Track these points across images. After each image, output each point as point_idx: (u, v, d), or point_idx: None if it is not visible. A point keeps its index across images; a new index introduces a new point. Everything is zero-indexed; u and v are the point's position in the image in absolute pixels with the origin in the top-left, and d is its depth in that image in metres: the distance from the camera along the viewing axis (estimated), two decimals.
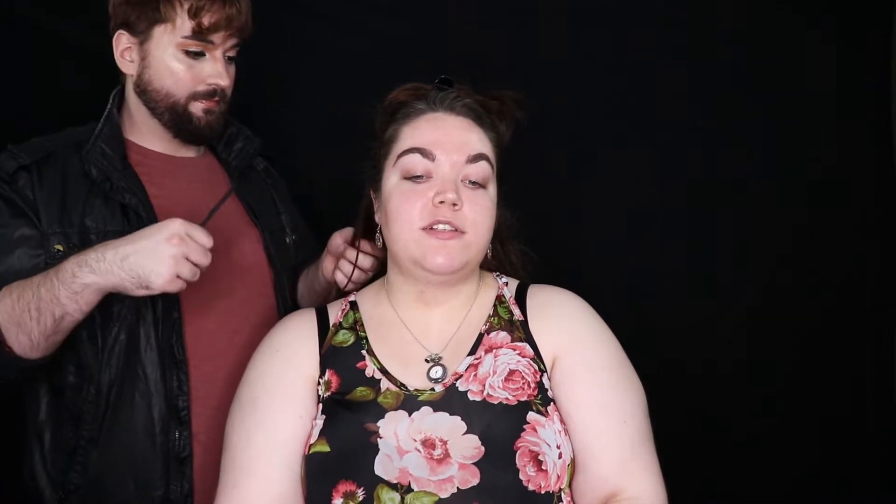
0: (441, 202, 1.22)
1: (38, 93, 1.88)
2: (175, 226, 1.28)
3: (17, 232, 1.40)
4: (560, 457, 1.17)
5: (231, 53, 1.52)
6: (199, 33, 1.46)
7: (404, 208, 1.25)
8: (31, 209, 1.41)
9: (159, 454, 1.42)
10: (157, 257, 1.26)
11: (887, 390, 2.01)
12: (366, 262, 1.44)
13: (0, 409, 1.57)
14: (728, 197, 2.04)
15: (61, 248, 1.40)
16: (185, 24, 1.46)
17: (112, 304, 1.39)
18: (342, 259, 1.45)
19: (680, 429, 1.73)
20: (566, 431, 1.21)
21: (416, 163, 1.26)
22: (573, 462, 1.21)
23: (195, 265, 1.30)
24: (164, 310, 1.43)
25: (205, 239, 1.30)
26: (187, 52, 1.47)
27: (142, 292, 1.29)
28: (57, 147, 1.47)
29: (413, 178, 1.26)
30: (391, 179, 1.29)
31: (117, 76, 1.56)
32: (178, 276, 1.28)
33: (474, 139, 1.29)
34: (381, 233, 1.34)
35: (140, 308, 1.42)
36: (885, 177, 2.03)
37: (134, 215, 1.45)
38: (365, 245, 1.43)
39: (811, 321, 2.03)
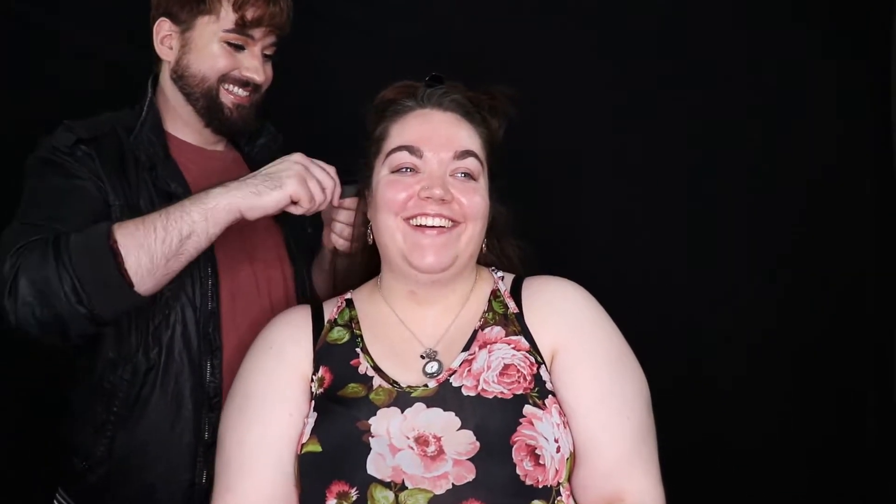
0: (428, 197, 1.22)
1: (38, 93, 1.88)
2: (297, 155, 1.37)
3: (77, 183, 1.40)
4: (558, 451, 1.16)
5: (269, 51, 1.56)
6: (242, 27, 1.50)
7: (389, 196, 1.25)
8: (96, 175, 1.42)
9: (189, 439, 1.43)
10: (287, 166, 1.35)
11: (887, 391, 2.01)
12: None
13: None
14: (728, 197, 2.04)
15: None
16: (228, 17, 1.49)
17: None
18: (335, 222, 1.44)
19: (679, 429, 1.72)
20: (566, 425, 1.19)
21: (404, 160, 1.27)
22: (572, 456, 1.19)
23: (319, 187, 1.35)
24: (202, 298, 1.45)
25: (326, 166, 1.37)
26: (228, 45, 1.51)
27: (270, 201, 1.31)
28: (111, 128, 1.49)
29: (400, 170, 1.27)
30: (381, 175, 1.29)
31: (118, 76, 1.56)
32: (301, 191, 1.32)
33: (462, 135, 1.29)
34: (371, 230, 1.34)
35: (183, 295, 1.44)
36: (885, 177, 2.03)
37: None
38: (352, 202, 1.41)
39: (811, 322, 2.02)
